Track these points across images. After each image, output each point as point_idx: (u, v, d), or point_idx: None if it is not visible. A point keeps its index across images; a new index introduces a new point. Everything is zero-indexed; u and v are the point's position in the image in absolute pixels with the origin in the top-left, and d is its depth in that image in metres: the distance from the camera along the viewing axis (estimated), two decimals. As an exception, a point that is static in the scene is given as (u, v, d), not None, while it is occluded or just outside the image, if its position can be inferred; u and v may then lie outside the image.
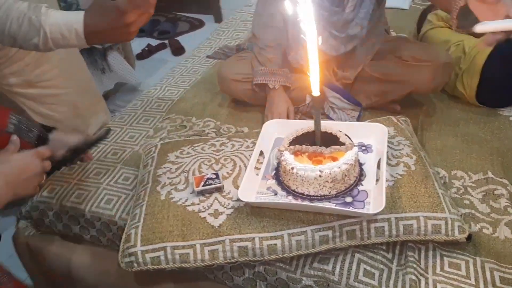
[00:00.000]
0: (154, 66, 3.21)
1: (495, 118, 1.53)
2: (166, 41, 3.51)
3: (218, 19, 3.78)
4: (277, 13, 1.55)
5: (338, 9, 1.47)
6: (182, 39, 3.53)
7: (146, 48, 3.38)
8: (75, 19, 0.94)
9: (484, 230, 1.12)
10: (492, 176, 1.28)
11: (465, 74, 1.58)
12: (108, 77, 2.54)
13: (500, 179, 1.26)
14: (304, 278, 1.06)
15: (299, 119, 1.58)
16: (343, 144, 1.12)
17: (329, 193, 1.08)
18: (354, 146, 1.12)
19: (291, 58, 1.60)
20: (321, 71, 1.01)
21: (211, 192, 1.16)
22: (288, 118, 1.53)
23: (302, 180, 1.07)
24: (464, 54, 1.61)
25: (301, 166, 1.07)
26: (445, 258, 1.06)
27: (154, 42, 3.50)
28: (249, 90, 1.61)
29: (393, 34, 1.96)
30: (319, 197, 1.08)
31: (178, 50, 3.38)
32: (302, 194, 1.09)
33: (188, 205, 1.14)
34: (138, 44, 3.34)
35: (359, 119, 1.56)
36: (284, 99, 1.56)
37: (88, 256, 1.36)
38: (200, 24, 3.82)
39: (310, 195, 1.09)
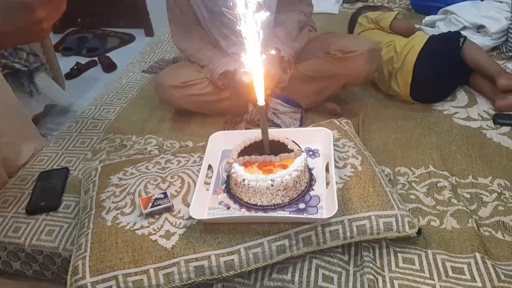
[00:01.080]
0: (85, 85, 3.08)
1: (430, 114, 1.60)
2: (95, 58, 3.38)
3: (149, 32, 3.71)
4: (192, 24, 1.59)
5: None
6: (113, 55, 3.42)
7: (75, 67, 3.24)
8: None
9: (432, 223, 1.16)
10: (434, 169, 1.33)
11: (398, 73, 1.64)
12: (37, 100, 2.40)
13: (441, 172, 1.31)
14: (264, 290, 1.04)
15: (245, 128, 1.56)
16: (292, 151, 1.11)
17: (282, 201, 1.07)
18: (302, 152, 1.12)
19: None
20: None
21: (160, 213, 1.11)
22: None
23: (254, 191, 1.06)
24: (396, 54, 1.67)
25: (252, 177, 1.05)
26: (398, 254, 1.08)
27: (83, 60, 3.36)
28: (190, 95, 1.57)
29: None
30: (273, 207, 1.07)
31: (109, 66, 3.27)
32: (255, 205, 1.08)
33: (137, 229, 1.08)
34: (66, 63, 3.20)
35: (302, 120, 1.58)
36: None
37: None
38: (131, 38, 3.73)
39: (264, 206, 1.07)
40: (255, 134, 1.17)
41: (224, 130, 1.56)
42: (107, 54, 3.44)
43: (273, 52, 1.45)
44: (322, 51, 1.57)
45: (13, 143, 1.50)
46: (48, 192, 1.34)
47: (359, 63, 1.50)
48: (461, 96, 1.67)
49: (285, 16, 1.59)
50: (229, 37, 1.56)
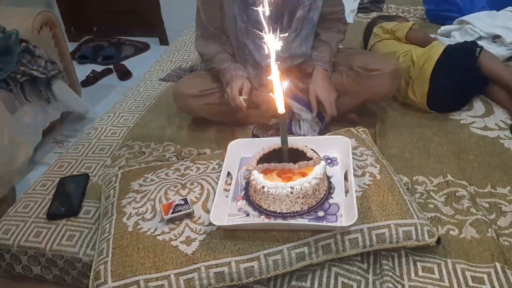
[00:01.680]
0: (101, 92, 3.11)
1: (447, 123, 1.60)
2: (111, 66, 3.42)
3: (164, 41, 3.75)
4: (216, 33, 1.59)
5: (276, 26, 1.50)
6: (128, 63, 3.45)
7: (91, 75, 3.27)
8: None
9: (451, 232, 1.16)
10: (452, 178, 1.33)
11: (415, 82, 1.65)
12: (54, 107, 2.43)
13: (459, 181, 1.31)
14: (283, 297, 1.05)
15: (272, 135, 1.56)
16: (311, 159, 1.12)
17: (301, 209, 1.08)
18: (321, 160, 1.13)
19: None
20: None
21: (181, 219, 1.13)
22: (241, 94, 1.48)
23: (274, 198, 1.07)
24: (412, 63, 1.68)
25: (271, 184, 1.06)
26: (418, 263, 1.08)
27: (99, 68, 3.40)
28: (207, 105, 1.58)
29: (340, 47, 2.01)
30: (292, 214, 1.08)
31: (124, 74, 3.30)
32: (275, 212, 1.09)
33: (158, 235, 1.10)
34: (82, 71, 3.23)
35: (321, 131, 1.58)
36: (238, 77, 1.52)
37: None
38: (145, 47, 3.76)
39: (283, 213, 1.08)
40: (274, 142, 1.18)
41: (253, 136, 1.59)
42: (122, 62, 3.48)
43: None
44: (345, 66, 1.58)
45: None
46: (69, 198, 1.36)
47: (381, 82, 1.52)
48: (478, 106, 1.67)
49: (327, 34, 1.61)
50: (264, 49, 1.56)
